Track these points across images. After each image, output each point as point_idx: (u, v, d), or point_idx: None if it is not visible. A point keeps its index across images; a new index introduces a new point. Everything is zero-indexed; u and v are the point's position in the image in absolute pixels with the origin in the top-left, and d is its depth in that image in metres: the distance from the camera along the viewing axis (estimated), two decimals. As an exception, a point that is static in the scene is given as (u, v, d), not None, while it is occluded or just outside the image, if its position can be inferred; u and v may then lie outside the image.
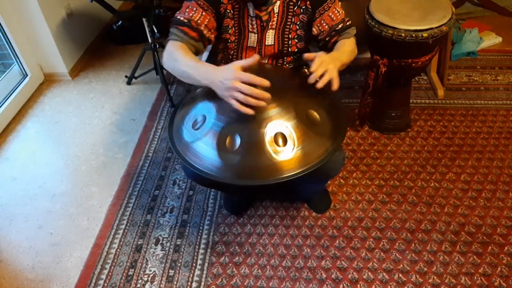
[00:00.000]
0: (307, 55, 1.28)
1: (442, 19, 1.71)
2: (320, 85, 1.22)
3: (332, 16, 1.43)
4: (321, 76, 1.22)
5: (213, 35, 1.41)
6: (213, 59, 1.56)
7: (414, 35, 1.69)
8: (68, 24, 2.68)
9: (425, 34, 1.69)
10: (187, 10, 1.37)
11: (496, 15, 2.95)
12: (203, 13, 1.36)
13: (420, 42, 1.71)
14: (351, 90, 2.42)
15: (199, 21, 1.35)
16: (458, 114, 2.21)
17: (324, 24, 1.44)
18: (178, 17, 1.37)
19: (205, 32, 1.37)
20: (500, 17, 2.94)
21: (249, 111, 1.15)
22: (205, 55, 1.59)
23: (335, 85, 1.23)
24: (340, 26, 1.44)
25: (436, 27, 1.69)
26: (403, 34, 1.70)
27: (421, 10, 1.77)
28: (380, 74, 1.86)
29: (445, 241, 1.65)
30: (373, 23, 1.77)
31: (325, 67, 1.22)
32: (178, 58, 1.29)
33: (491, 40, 2.68)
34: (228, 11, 1.40)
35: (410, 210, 1.78)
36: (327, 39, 1.46)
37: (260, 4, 1.37)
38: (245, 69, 1.18)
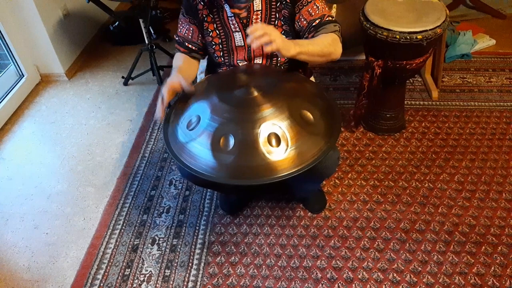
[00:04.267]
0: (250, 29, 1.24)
1: (436, 21, 1.73)
2: (254, 45, 1.21)
3: (311, 11, 1.41)
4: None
5: (202, 44, 1.53)
6: (210, 61, 1.60)
7: (408, 37, 1.71)
8: (65, 25, 2.68)
9: (419, 36, 1.71)
10: (179, 25, 1.54)
11: (490, 17, 2.98)
12: (188, 26, 1.50)
13: (414, 44, 1.73)
14: (346, 92, 2.44)
15: (185, 36, 1.52)
16: (452, 116, 2.23)
17: (303, 20, 1.42)
18: (175, 36, 1.56)
19: (190, 46, 1.53)
20: (494, 20, 2.97)
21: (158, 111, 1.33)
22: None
23: (269, 48, 1.21)
24: (317, 21, 1.40)
25: (430, 29, 1.71)
26: (397, 36, 1.72)
27: (416, 12, 1.79)
28: (375, 76, 1.88)
29: (439, 241, 1.67)
30: (368, 25, 1.78)
31: (263, 30, 1.20)
32: (173, 65, 1.55)
33: (485, 42, 2.71)
34: (205, 15, 1.46)
35: (404, 210, 1.79)
36: (305, 35, 1.44)
37: (235, 1, 1.37)
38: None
